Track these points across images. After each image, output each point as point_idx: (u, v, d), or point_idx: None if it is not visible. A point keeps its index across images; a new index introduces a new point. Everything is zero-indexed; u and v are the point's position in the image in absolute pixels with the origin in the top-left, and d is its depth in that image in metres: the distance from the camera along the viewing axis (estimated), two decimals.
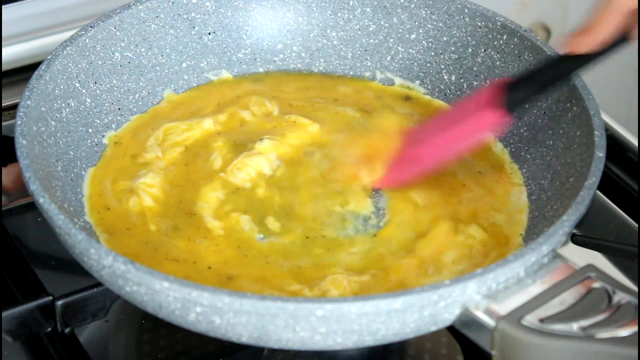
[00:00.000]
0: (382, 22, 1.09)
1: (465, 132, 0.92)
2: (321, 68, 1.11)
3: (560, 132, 0.96)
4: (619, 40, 0.84)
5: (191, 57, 1.08)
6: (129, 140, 1.02)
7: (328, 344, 0.77)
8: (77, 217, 0.91)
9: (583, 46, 0.85)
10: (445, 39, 1.07)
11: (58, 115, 0.96)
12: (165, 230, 0.92)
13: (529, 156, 0.99)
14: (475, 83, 1.06)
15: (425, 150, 0.95)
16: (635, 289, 0.79)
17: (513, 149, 1.01)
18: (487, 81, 1.04)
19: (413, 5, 1.08)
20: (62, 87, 0.97)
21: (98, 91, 1.01)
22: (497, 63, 1.04)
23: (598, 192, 1.08)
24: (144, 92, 1.05)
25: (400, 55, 1.09)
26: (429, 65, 1.08)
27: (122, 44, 1.04)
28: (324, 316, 0.75)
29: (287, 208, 0.95)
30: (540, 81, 0.88)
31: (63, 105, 0.97)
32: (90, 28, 1.01)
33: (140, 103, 1.05)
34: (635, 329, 0.75)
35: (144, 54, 1.05)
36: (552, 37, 1.54)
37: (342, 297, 0.85)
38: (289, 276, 0.88)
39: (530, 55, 1.01)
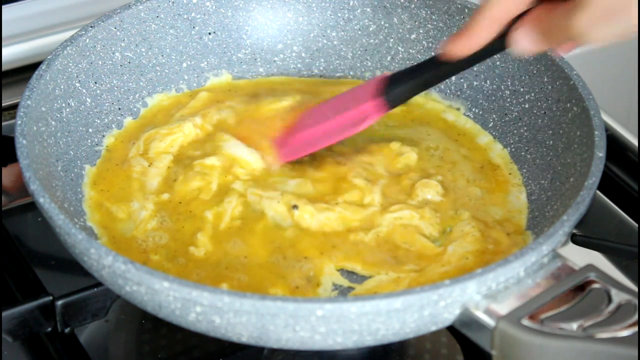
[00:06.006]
0: (383, 22, 1.09)
1: (347, 121, 0.94)
2: (321, 68, 1.11)
3: (560, 132, 0.96)
4: (497, 47, 0.83)
5: (191, 57, 1.08)
6: (127, 141, 1.01)
7: (328, 344, 0.77)
8: (77, 217, 0.91)
9: (458, 51, 0.84)
10: (445, 39, 1.07)
11: (58, 115, 0.96)
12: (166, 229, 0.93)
13: (529, 156, 0.99)
14: (475, 83, 1.05)
15: (310, 135, 0.96)
16: (635, 289, 0.79)
17: (513, 149, 1.01)
18: (487, 81, 1.04)
19: (413, 6, 1.08)
20: (62, 87, 0.97)
21: (98, 91, 1.01)
22: (497, 63, 1.04)
23: (598, 192, 1.08)
24: (144, 92, 1.05)
25: (401, 55, 1.09)
26: None
27: (122, 44, 1.04)
28: (324, 316, 0.75)
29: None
30: (420, 80, 0.90)
31: (63, 105, 0.97)
32: (90, 28, 1.01)
33: (140, 103, 1.04)
34: (635, 329, 0.75)
35: (144, 54, 1.05)
36: None
37: (342, 297, 0.85)
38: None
39: None
